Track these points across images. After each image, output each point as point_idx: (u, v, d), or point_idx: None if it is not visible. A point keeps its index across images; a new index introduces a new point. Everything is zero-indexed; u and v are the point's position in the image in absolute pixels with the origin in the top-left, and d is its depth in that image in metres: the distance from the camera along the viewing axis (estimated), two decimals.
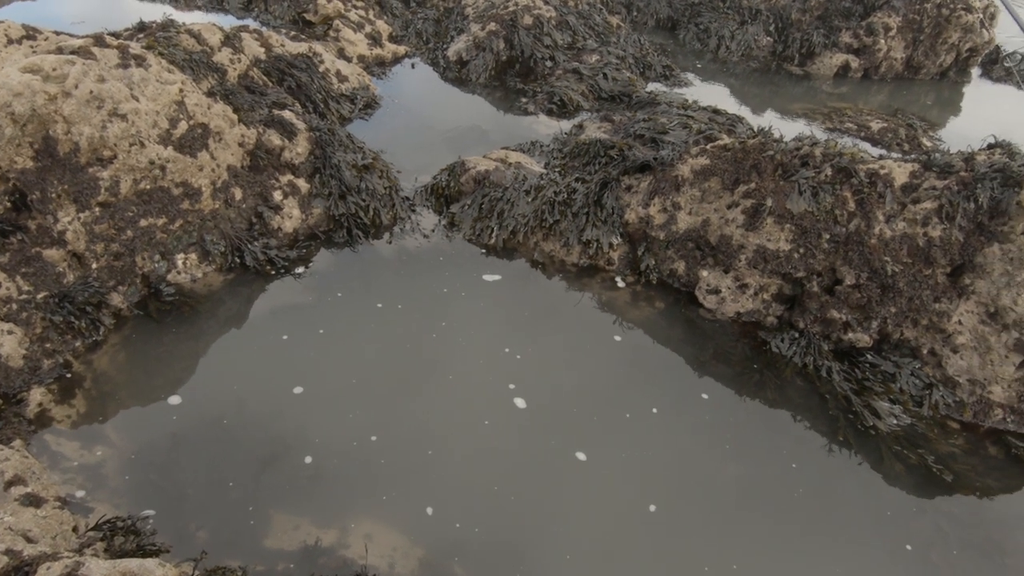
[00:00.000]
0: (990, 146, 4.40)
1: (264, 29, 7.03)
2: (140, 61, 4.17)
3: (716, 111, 6.49)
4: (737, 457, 3.45)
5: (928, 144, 6.99)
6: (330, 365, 3.67)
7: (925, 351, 3.85)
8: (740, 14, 9.16)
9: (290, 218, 4.58)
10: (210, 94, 4.71)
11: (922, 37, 8.80)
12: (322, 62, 6.64)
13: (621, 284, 4.60)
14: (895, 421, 3.65)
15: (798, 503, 3.25)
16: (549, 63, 7.39)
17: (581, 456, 3.34)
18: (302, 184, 4.73)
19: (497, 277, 4.49)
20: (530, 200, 4.86)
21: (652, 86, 7.62)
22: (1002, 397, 3.73)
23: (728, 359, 4.05)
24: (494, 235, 4.74)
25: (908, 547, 3.09)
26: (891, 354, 3.89)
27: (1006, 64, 9.60)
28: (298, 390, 3.49)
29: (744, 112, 7.40)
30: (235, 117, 4.64)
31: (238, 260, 4.32)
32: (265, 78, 5.78)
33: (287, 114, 5.03)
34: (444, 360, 3.79)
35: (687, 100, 6.88)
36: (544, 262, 4.72)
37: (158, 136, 4.06)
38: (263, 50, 6.17)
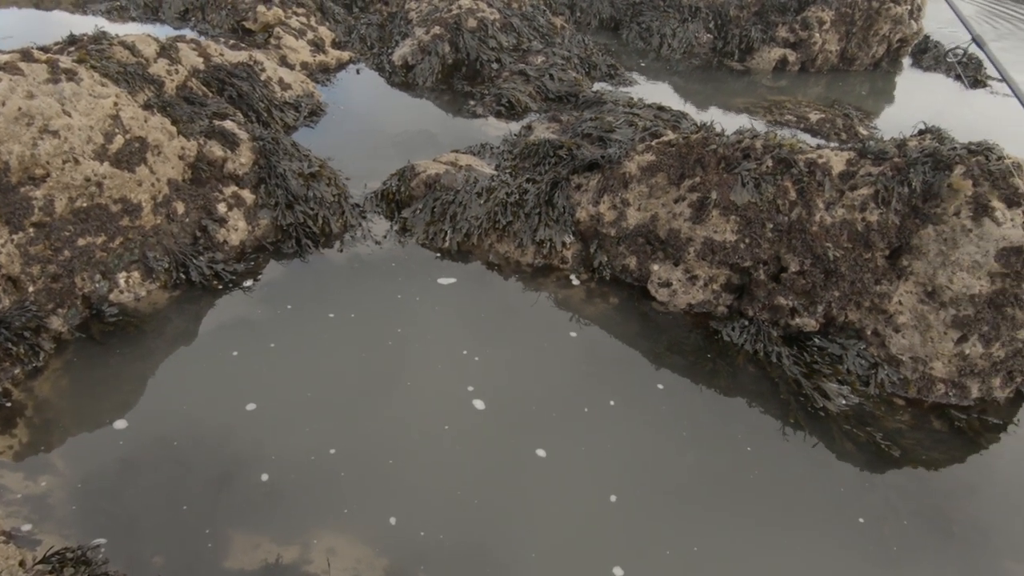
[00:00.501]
0: (921, 132, 4.59)
1: (202, 39, 6.87)
2: (71, 75, 4.02)
3: (661, 108, 6.61)
4: (694, 444, 3.51)
5: (864, 132, 7.25)
6: (283, 379, 3.60)
7: (869, 332, 3.99)
8: (680, 12, 9.34)
9: (236, 230, 4.48)
10: (147, 107, 4.57)
11: (854, 30, 9.13)
12: (264, 70, 6.52)
13: (576, 282, 4.64)
14: (844, 401, 3.77)
15: (754, 485, 3.33)
16: (496, 65, 7.41)
17: (541, 453, 3.35)
18: (247, 195, 4.63)
19: (452, 280, 4.48)
20: (482, 202, 4.86)
21: (598, 85, 7.71)
22: (943, 372, 3.89)
23: (682, 350, 4.12)
24: (447, 238, 4.73)
25: (861, 520, 3.20)
26: (837, 336, 4.02)
27: (948, 59, 10.00)
28: (251, 407, 3.41)
29: (688, 108, 7.55)
30: (174, 129, 4.52)
31: (183, 276, 4.20)
32: (205, 88, 5.64)
33: (229, 124, 4.92)
34: (401, 367, 3.76)
35: (632, 98, 6.98)
36: (499, 263, 4.72)
37: (93, 152, 3.92)
38: (201, 60, 6.03)
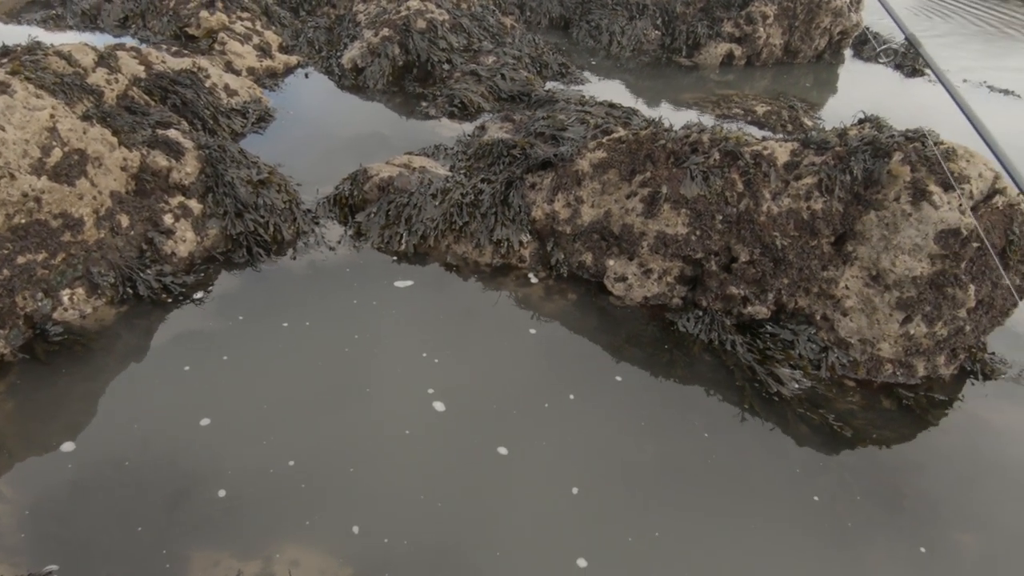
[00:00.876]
0: (860, 121, 4.73)
1: (143, 46, 6.69)
2: (4, 88, 3.88)
3: (612, 105, 6.69)
4: (653, 433, 3.57)
5: (809, 123, 7.45)
6: (238, 392, 3.53)
7: (818, 317, 4.10)
8: (629, 10, 9.46)
9: (184, 241, 4.37)
10: (86, 118, 4.42)
11: (797, 23, 9.37)
12: (208, 77, 6.38)
13: (534, 280, 4.66)
14: (797, 385, 3.87)
15: (713, 470, 3.40)
16: (447, 66, 7.39)
17: (503, 451, 3.36)
18: (194, 205, 4.53)
19: (409, 283, 4.45)
20: (438, 203, 4.84)
21: (550, 84, 7.76)
22: (890, 353, 4.03)
23: (640, 342, 4.17)
24: (403, 241, 4.70)
25: (815, 498, 3.29)
26: (788, 323, 4.12)
27: (880, 60, 10.34)
28: (205, 422, 3.33)
29: (639, 105, 7.65)
30: (115, 140, 4.38)
31: (131, 291, 4.08)
32: (147, 97, 5.49)
33: (172, 133, 4.80)
34: (360, 373, 3.72)
35: (584, 96, 7.05)
36: (458, 265, 4.71)
37: (30, 166, 3.78)
38: (143, 68, 5.87)
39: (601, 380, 3.87)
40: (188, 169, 4.64)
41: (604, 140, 4.77)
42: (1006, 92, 10.05)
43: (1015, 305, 4.08)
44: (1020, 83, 10.67)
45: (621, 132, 4.84)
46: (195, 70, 6.33)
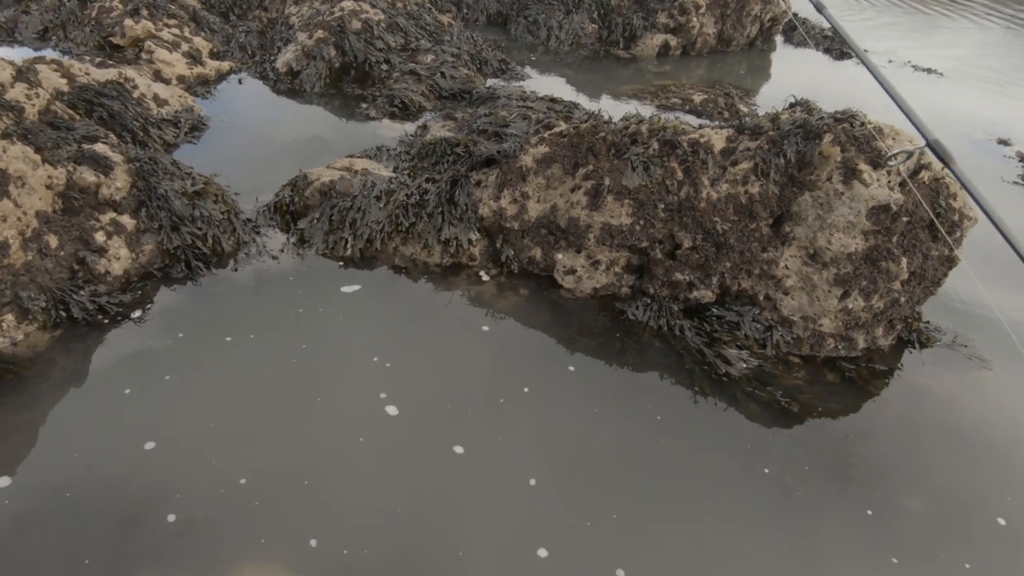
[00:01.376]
0: (791, 105, 4.88)
1: (65, 58, 6.43)
2: None
3: (553, 100, 6.72)
4: (607, 420, 3.61)
5: (745, 110, 7.64)
6: (182, 412, 3.41)
7: (761, 297, 4.21)
8: (565, 4, 9.52)
9: (118, 259, 4.20)
10: (5, 136, 4.21)
11: (728, 12, 9.60)
12: (136, 87, 6.15)
13: (486, 278, 4.65)
14: (744, 365, 3.97)
15: (667, 451, 3.47)
16: (385, 66, 7.30)
17: (459, 449, 3.35)
18: (127, 221, 4.36)
19: (356, 287, 4.38)
20: (382, 206, 4.78)
21: (491, 81, 7.75)
22: (831, 328, 4.16)
23: (592, 332, 4.21)
24: (349, 246, 4.62)
25: (766, 471, 3.39)
26: (733, 305, 4.22)
27: (801, 30, 10.67)
28: (150, 445, 3.21)
29: (580, 98, 7.71)
30: (38, 158, 4.19)
31: (64, 314, 3.91)
32: (71, 111, 5.26)
33: (100, 147, 4.61)
34: (309, 383, 3.64)
35: (526, 92, 7.06)
36: (407, 267, 4.66)
37: None
38: (65, 81, 5.63)
39: (555, 372, 3.90)
40: (118, 184, 4.46)
41: (546, 135, 4.79)
42: (928, 71, 10.51)
43: (946, 275, 4.26)
44: (940, 62, 11.17)
45: (562, 126, 4.87)
46: (122, 81, 6.10)
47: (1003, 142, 8.20)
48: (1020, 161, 7.71)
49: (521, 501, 3.14)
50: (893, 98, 3.31)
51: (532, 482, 3.22)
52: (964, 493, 3.42)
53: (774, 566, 2.98)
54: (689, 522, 3.13)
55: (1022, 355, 4.45)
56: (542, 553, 2.91)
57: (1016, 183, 7.16)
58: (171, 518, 2.90)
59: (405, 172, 5.33)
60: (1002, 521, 3.29)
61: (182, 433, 3.29)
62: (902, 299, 4.13)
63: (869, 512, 3.25)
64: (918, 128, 3.26)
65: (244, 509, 2.97)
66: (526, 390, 3.73)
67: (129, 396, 3.47)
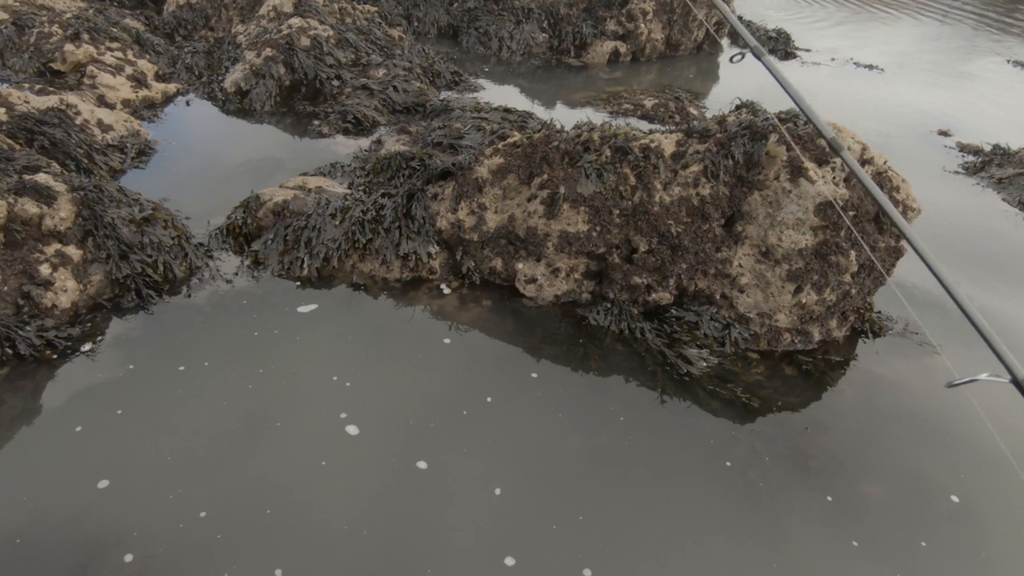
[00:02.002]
0: (737, 107, 4.98)
1: (3, 87, 6.23)
2: None
3: (507, 110, 6.75)
4: (571, 425, 3.62)
5: (695, 112, 7.78)
6: (136, 447, 3.30)
7: (718, 296, 4.28)
8: (515, 15, 9.59)
9: (65, 291, 4.07)
10: None
11: (675, 17, 9.78)
12: (79, 113, 6.00)
13: (447, 291, 4.63)
14: (705, 364, 4.03)
15: (631, 452, 3.49)
16: (336, 82, 7.25)
17: (422, 465, 3.32)
18: (73, 251, 4.23)
19: (313, 307, 4.32)
20: (338, 223, 4.73)
21: (444, 94, 7.75)
22: (786, 323, 4.25)
23: (555, 340, 4.22)
24: (305, 265, 4.56)
25: (728, 464, 3.45)
26: (691, 305, 4.28)
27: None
28: (103, 484, 3.10)
29: (535, 107, 7.77)
30: None
31: (10, 351, 3.77)
32: (10, 141, 5.10)
33: (42, 177, 4.46)
34: (267, 408, 3.57)
35: (479, 103, 7.08)
36: (366, 284, 4.62)
37: None
38: (3, 110, 5.46)
39: (518, 381, 3.89)
40: (63, 214, 4.33)
41: (500, 146, 4.80)
42: (870, 67, 10.86)
43: (894, 265, 4.39)
44: (881, 57, 11.55)
45: (517, 137, 4.89)
46: (63, 107, 5.94)
47: (943, 133, 8.51)
48: (960, 151, 8.00)
49: (486, 509, 3.13)
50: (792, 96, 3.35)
51: (497, 491, 3.21)
52: (920, 475, 3.52)
53: (739, 557, 3.02)
54: (655, 519, 3.16)
55: (969, 338, 4.61)
56: (509, 562, 2.90)
57: (957, 172, 7.43)
58: (128, 558, 2.81)
59: (360, 188, 5.29)
60: (955, 499, 3.39)
61: (137, 469, 3.19)
62: (853, 291, 4.24)
63: (829, 499, 3.32)
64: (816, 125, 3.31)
65: (206, 543, 2.89)
66: (489, 400, 3.72)
67: (80, 433, 3.35)
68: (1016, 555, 3.17)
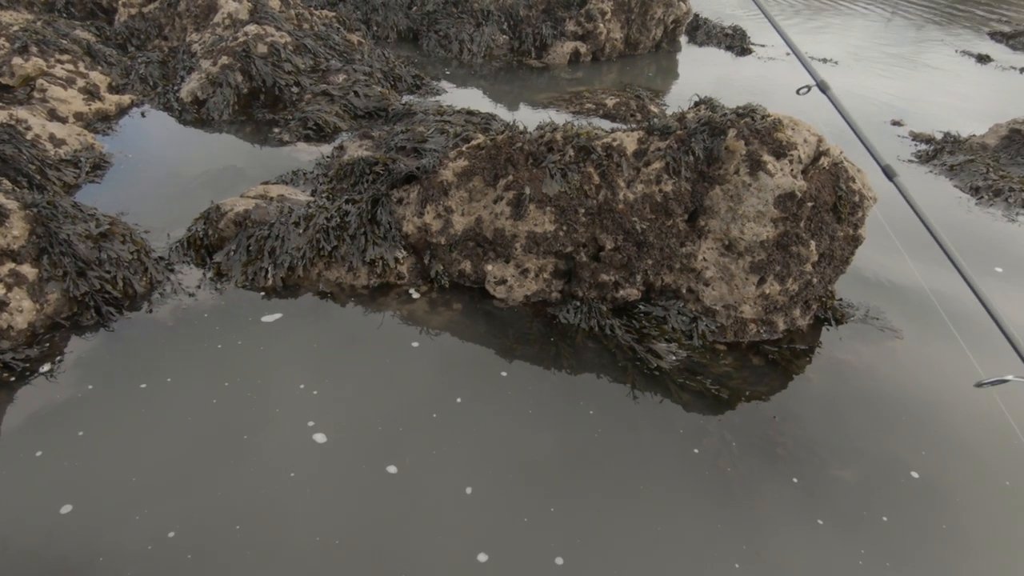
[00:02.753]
0: (696, 104, 5.05)
1: None
2: None
3: (471, 113, 6.74)
4: (543, 423, 3.64)
5: (656, 110, 7.87)
6: (99, 470, 3.20)
7: (684, 290, 4.33)
8: (475, 17, 9.59)
9: (20, 312, 3.95)
10: None
11: (633, 16, 9.88)
12: (30, 128, 5.83)
13: (416, 295, 4.61)
14: (674, 357, 4.07)
15: (602, 447, 3.52)
16: (296, 89, 7.16)
17: (392, 469, 3.30)
18: (28, 270, 4.11)
19: (278, 316, 4.26)
20: (301, 231, 4.67)
21: (406, 98, 7.71)
22: (751, 314, 4.32)
23: (527, 340, 4.23)
24: (269, 275, 4.49)
25: (698, 453, 3.51)
26: (658, 300, 4.33)
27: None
28: (66, 509, 3.00)
29: (499, 109, 7.78)
30: None
31: None
32: None
33: None
34: (233, 422, 3.50)
35: (442, 106, 7.06)
36: (332, 291, 4.57)
37: None
38: None
39: (490, 382, 3.89)
40: (15, 232, 4.20)
41: (464, 148, 4.79)
42: (824, 60, 11.11)
43: (853, 253, 4.49)
44: (835, 51, 11.83)
45: (480, 139, 4.89)
46: (13, 123, 5.77)
47: (896, 123, 8.74)
48: (913, 140, 8.23)
49: (456, 509, 3.14)
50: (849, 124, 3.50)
51: (468, 490, 3.21)
52: (883, 456, 3.62)
53: (711, 542, 3.07)
54: (626, 509, 3.20)
55: (929, 323, 4.74)
56: (482, 557, 2.90)
57: (911, 161, 7.64)
58: None
59: (324, 195, 5.23)
60: (915, 475, 3.50)
61: (101, 492, 3.09)
62: (814, 280, 4.33)
63: (796, 481, 3.40)
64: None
65: (176, 564, 2.82)
66: (459, 401, 3.72)
67: (41, 458, 3.25)
68: (974, 526, 3.28)
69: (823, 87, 3.65)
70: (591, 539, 3.03)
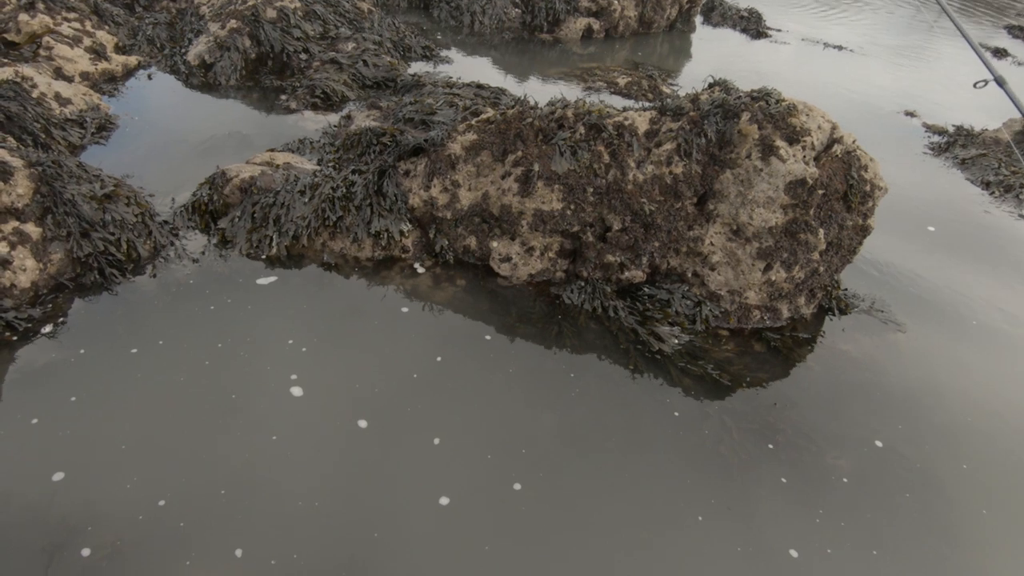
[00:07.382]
0: (710, 85, 4.98)
1: None
2: None
3: (480, 86, 6.66)
4: (544, 402, 3.66)
5: (667, 90, 7.77)
6: (90, 436, 3.19)
7: (689, 274, 4.31)
8: None
9: (24, 271, 3.94)
10: None
11: None
12: (35, 86, 5.77)
13: (421, 270, 4.59)
14: (676, 341, 4.07)
15: (604, 427, 3.55)
16: (304, 56, 7.07)
17: (363, 424, 3.39)
18: (32, 229, 4.09)
19: (273, 279, 4.25)
20: (307, 200, 4.64)
21: (415, 68, 7.62)
22: (756, 300, 4.31)
23: (530, 319, 4.23)
24: (274, 244, 4.48)
25: (700, 442, 3.52)
26: (663, 283, 4.31)
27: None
28: (58, 476, 2.98)
29: (508, 82, 7.68)
30: None
31: None
32: None
33: None
34: (224, 384, 3.49)
35: (451, 78, 6.98)
36: (336, 263, 4.55)
37: None
38: None
39: (493, 360, 3.89)
40: (20, 190, 4.17)
41: (474, 122, 4.74)
42: (839, 48, 10.95)
43: (861, 243, 4.47)
44: (850, 39, 11.66)
45: (490, 113, 4.83)
46: (19, 80, 5.71)
47: (909, 114, 8.64)
48: (926, 131, 8.15)
49: (427, 459, 3.22)
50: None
51: (436, 441, 3.30)
52: (879, 446, 3.64)
53: (708, 528, 3.10)
54: (626, 485, 3.23)
55: (932, 317, 4.73)
56: (444, 501, 3.06)
57: (924, 152, 7.57)
58: (86, 552, 2.71)
59: (330, 164, 5.18)
60: (911, 465, 3.54)
61: (93, 458, 3.07)
62: (821, 268, 4.30)
63: (796, 470, 3.41)
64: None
65: (166, 531, 2.82)
66: (461, 379, 3.72)
67: (34, 425, 3.22)
68: (972, 517, 3.31)
69: (1000, 82, 3.65)
70: (551, 474, 3.15)
